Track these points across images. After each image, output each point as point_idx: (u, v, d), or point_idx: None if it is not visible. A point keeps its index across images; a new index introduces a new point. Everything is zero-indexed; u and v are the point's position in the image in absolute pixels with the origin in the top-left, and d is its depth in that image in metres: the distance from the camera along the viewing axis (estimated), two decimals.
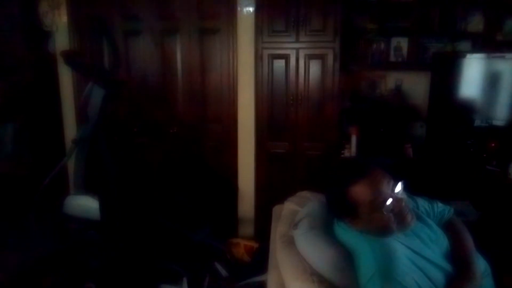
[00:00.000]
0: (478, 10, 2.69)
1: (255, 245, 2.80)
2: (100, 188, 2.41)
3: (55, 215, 2.56)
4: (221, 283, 2.50)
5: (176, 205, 2.76)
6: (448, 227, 1.28)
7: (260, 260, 2.38)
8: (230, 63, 2.81)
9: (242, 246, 2.81)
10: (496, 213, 2.19)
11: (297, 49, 2.65)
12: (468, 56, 2.59)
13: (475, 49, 2.70)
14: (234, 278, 2.51)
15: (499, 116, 2.49)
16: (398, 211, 1.11)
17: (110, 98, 2.46)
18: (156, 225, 2.58)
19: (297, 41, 2.64)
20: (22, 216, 2.80)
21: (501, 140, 2.48)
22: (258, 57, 2.73)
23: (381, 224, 1.11)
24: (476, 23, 2.70)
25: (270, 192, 2.82)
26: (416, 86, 2.93)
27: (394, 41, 2.84)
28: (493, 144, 2.49)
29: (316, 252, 1.20)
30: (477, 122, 2.53)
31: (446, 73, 2.62)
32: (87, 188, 2.54)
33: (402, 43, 2.82)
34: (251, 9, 2.69)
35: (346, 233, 1.20)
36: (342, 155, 2.75)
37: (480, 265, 1.19)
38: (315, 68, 2.66)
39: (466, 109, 2.57)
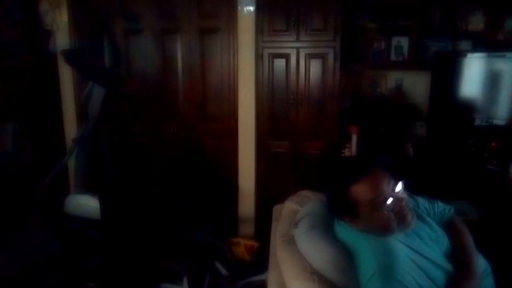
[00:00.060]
0: (478, 9, 2.68)
1: (255, 244, 2.81)
2: (100, 187, 2.41)
3: (56, 215, 2.56)
4: (222, 282, 2.50)
5: (177, 204, 2.76)
6: (449, 227, 1.28)
7: (260, 259, 2.38)
8: (230, 62, 2.81)
9: (243, 245, 2.81)
10: (497, 212, 2.19)
11: (298, 48, 2.65)
12: (469, 55, 2.58)
13: (476, 48, 2.69)
14: (234, 277, 2.51)
15: (500, 116, 2.48)
16: (398, 210, 1.11)
17: (110, 97, 2.46)
18: (156, 224, 2.58)
19: (297, 40, 2.64)
20: (23, 215, 2.80)
21: (502, 139, 2.47)
22: (258, 56, 2.73)
23: (381, 224, 1.11)
24: (476, 22, 2.70)
25: (271, 191, 2.82)
26: (417, 85, 2.93)
27: (395, 40, 2.84)
28: (493, 144, 2.48)
29: (316, 251, 1.20)
30: (478, 121, 2.53)
31: (447, 72, 2.62)
32: (87, 188, 2.55)
33: (403, 42, 2.82)
34: (251, 8, 2.69)
35: (346, 232, 1.20)
36: (343, 154, 2.75)
37: (481, 264, 1.19)
38: (315, 67, 2.66)
39: (467, 108, 2.57)
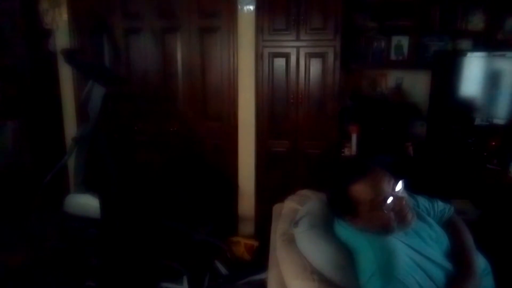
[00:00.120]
0: (479, 9, 2.68)
1: (255, 243, 2.81)
2: (100, 186, 2.42)
3: (56, 214, 2.56)
4: (221, 281, 2.50)
5: (176, 203, 2.76)
6: (449, 226, 1.28)
7: (260, 259, 2.38)
8: (230, 61, 2.81)
9: (243, 244, 2.81)
10: (497, 211, 2.19)
11: (298, 48, 2.65)
12: (469, 54, 2.59)
13: (476, 47, 2.69)
14: (234, 277, 2.51)
15: (500, 115, 2.48)
16: (398, 209, 1.11)
17: (110, 96, 2.46)
18: (156, 223, 2.58)
19: (297, 39, 2.64)
20: (23, 214, 2.81)
21: (502, 138, 2.48)
22: (258, 56, 2.73)
23: (381, 223, 1.11)
24: (476, 22, 2.69)
25: (270, 191, 2.82)
26: (417, 84, 2.93)
27: (395, 40, 2.84)
28: (493, 143, 2.48)
29: (316, 251, 1.20)
30: (478, 121, 2.53)
31: (447, 72, 2.62)
32: (87, 187, 2.55)
33: (403, 41, 2.81)
34: (251, 7, 2.69)
35: (346, 231, 1.20)
36: (343, 154, 2.75)
37: (480, 263, 1.19)
38: (315, 66, 2.66)
39: (467, 107, 2.57)
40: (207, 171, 2.96)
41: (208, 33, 2.84)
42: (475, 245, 1.22)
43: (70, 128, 3.15)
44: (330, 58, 2.61)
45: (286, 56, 2.69)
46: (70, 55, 2.55)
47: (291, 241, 1.30)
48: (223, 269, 2.56)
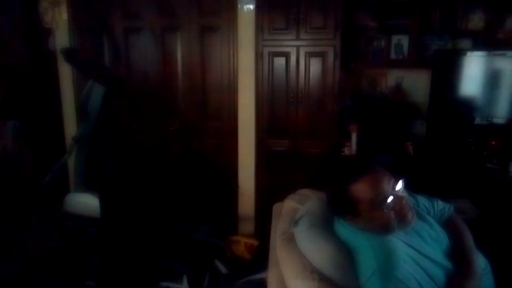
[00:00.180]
0: (479, 8, 2.67)
1: (255, 242, 2.81)
2: (100, 185, 2.41)
3: (56, 213, 2.56)
4: (221, 280, 2.50)
5: (176, 203, 2.76)
6: (448, 225, 1.28)
7: (260, 258, 2.38)
8: (230, 60, 2.81)
9: (242, 243, 2.82)
10: (496, 211, 2.19)
11: (298, 47, 2.65)
12: (469, 53, 2.58)
13: (476, 46, 2.68)
14: (234, 276, 2.51)
15: (500, 114, 2.48)
16: (398, 209, 1.11)
17: (110, 96, 2.46)
18: (156, 223, 2.58)
19: (297, 38, 2.63)
20: (23, 213, 2.81)
21: (502, 138, 2.47)
22: (258, 55, 2.73)
23: (381, 222, 1.11)
24: (477, 21, 2.69)
25: (271, 190, 2.82)
26: (417, 83, 2.93)
27: (395, 39, 2.83)
28: (493, 142, 2.48)
29: (316, 250, 1.20)
30: (478, 120, 2.53)
31: (447, 71, 2.61)
32: (87, 186, 2.55)
33: (403, 40, 2.81)
34: (251, 6, 2.69)
35: (346, 230, 1.20)
36: (343, 153, 2.75)
37: (480, 262, 1.19)
38: (315, 65, 2.66)
39: (467, 107, 2.57)
40: (207, 170, 2.96)
41: (208, 33, 2.84)
42: (475, 244, 1.22)
43: (70, 127, 3.16)
44: (330, 57, 2.60)
45: (286, 55, 2.68)
46: (70, 54, 2.54)
47: (291, 240, 1.30)
48: (223, 269, 2.56)
